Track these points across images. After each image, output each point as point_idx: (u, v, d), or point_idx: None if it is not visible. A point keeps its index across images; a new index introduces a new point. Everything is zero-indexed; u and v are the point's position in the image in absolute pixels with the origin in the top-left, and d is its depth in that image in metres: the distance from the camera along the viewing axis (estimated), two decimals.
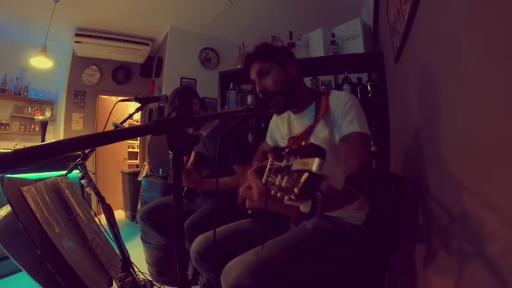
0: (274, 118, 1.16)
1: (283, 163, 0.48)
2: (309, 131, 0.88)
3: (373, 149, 1.76)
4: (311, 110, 0.95)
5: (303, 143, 0.45)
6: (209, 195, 1.44)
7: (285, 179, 0.46)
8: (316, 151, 0.41)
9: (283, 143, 1.09)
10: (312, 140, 0.91)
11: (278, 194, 0.46)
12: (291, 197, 0.42)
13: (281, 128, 1.09)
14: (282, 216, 0.95)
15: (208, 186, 1.33)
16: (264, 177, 0.58)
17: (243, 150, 1.31)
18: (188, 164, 1.38)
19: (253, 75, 0.96)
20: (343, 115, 0.86)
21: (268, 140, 1.20)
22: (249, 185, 0.65)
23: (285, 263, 0.79)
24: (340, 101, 0.88)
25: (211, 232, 1.04)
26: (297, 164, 0.43)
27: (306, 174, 0.40)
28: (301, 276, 0.80)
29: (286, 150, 0.48)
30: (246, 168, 1.24)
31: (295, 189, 0.41)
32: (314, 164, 0.39)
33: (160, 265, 1.77)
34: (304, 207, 0.48)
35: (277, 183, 0.48)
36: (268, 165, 0.57)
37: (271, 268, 0.76)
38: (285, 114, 1.05)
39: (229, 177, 1.31)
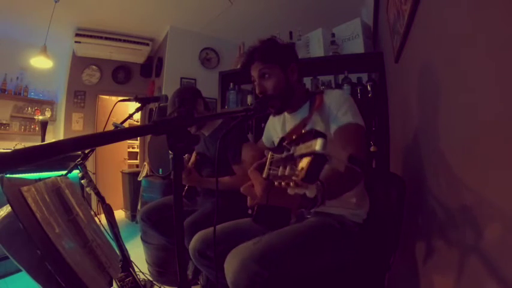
0: (271, 119, 1.17)
1: (284, 154, 0.48)
2: (303, 124, 0.90)
3: (372, 149, 1.76)
4: (305, 108, 0.97)
5: (303, 131, 0.45)
6: (209, 195, 1.44)
7: (288, 168, 0.45)
8: (317, 134, 0.42)
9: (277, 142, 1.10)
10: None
11: (282, 183, 0.45)
12: (297, 182, 0.41)
13: (277, 128, 1.11)
14: (282, 219, 0.95)
15: (208, 185, 1.34)
16: (265, 171, 0.58)
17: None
18: (189, 164, 1.38)
19: (253, 73, 0.96)
20: (337, 108, 0.87)
21: (264, 140, 1.22)
22: (251, 184, 0.65)
23: (290, 253, 0.78)
24: (334, 95, 0.91)
25: (210, 229, 1.05)
26: (299, 150, 0.43)
27: (310, 156, 0.40)
28: (304, 269, 0.80)
29: (286, 142, 0.48)
30: (246, 168, 1.24)
31: (302, 173, 0.40)
32: (317, 144, 0.38)
33: (160, 265, 1.77)
34: (310, 192, 0.47)
35: (280, 173, 0.48)
36: (268, 159, 0.57)
37: (276, 256, 0.75)
38: (281, 115, 1.05)
39: (229, 177, 1.32)
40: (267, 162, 0.58)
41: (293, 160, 0.44)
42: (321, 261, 0.84)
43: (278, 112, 0.97)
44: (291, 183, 0.43)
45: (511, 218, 0.44)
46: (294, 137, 0.46)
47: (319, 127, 0.90)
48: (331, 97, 0.91)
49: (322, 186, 0.54)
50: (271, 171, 0.55)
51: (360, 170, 0.45)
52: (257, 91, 0.95)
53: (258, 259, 0.72)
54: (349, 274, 0.88)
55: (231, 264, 0.76)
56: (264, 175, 0.59)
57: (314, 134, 0.41)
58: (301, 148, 0.42)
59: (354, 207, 0.91)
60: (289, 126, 1.02)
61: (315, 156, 0.39)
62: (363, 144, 0.89)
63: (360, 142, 0.86)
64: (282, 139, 0.93)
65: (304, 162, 0.41)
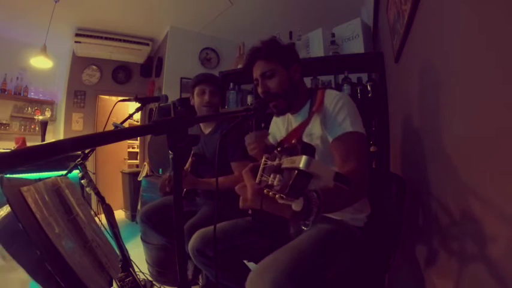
0: (275, 118, 1.16)
1: (276, 162, 0.48)
2: (302, 127, 0.88)
3: (372, 149, 1.76)
4: (306, 108, 0.96)
5: (293, 141, 0.45)
6: (209, 195, 1.44)
7: (277, 178, 0.46)
8: (304, 148, 0.42)
9: None
10: (305, 135, 0.92)
11: (270, 194, 0.46)
12: (282, 195, 0.42)
13: (280, 127, 1.10)
14: (280, 219, 0.95)
15: (205, 186, 1.33)
16: (258, 176, 0.58)
17: (243, 149, 1.31)
18: (186, 166, 1.37)
19: (256, 74, 0.95)
20: (334, 115, 0.85)
21: (270, 138, 1.21)
22: (245, 184, 0.64)
23: (315, 264, 0.73)
24: (331, 99, 0.88)
25: (209, 228, 1.05)
26: (286, 162, 0.43)
27: (294, 172, 0.40)
28: (323, 277, 0.76)
29: (279, 149, 0.49)
30: (245, 167, 1.22)
31: (286, 188, 0.41)
32: (301, 161, 0.39)
33: (160, 265, 1.77)
34: (296, 206, 0.47)
35: (269, 182, 0.48)
36: (262, 164, 0.57)
37: (304, 270, 0.69)
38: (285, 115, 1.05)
39: (224, 177, 1.31)
40: (261, 167, 0.58)
41: (281, 171, 0.45)
42: (334, 267, 0.81)
43: (282, 113, 0.96)
44: (277, 196, 0.44)
45: (511, 219, 0.44)
46: (285, 146, 0.47)
47: (318, 130, 0.89)
48: (330, 99, 0.88)
49: (318, 198, 0.52)
50: (263, 178, 0.55)
51: (347, 188, 0.43)
52: (260, 90, 0.93)
53: (291, 277, 0.66)
54: (349, 275, 0.88)
55: (258, 285, 0.68)
56: (257, 180, 0.58)
57: (301, 148, 0.42)
58: (288, 161, 0.43)
59: (354, 212, 0.90)
60: (292, 127, 1.01)
61: (299, 172, 0.40)
62: (363, 153, 0.83)
63: (361, 153, 0.81)
64: (280, 143, 0.92)
65: (288, 177, 0.42)
